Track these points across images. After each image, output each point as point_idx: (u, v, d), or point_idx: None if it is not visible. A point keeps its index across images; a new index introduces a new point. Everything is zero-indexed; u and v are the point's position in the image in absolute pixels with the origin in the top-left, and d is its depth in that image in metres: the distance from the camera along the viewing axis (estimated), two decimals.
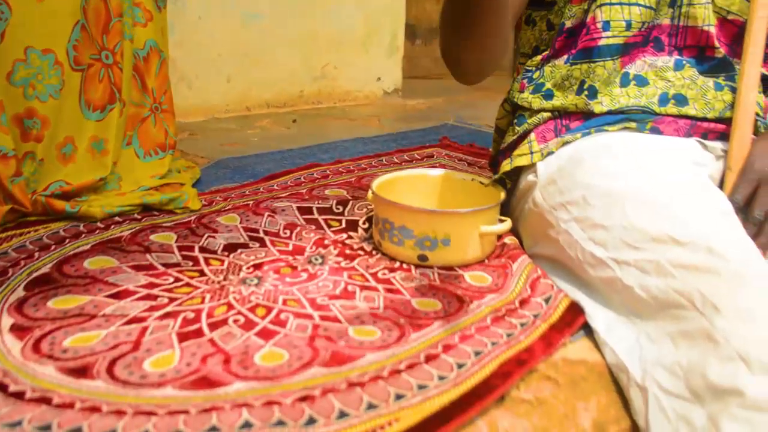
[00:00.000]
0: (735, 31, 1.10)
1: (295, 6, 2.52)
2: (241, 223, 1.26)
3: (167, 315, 0.90)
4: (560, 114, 1.17)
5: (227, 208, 1.36)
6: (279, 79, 2.55)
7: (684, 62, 1.11)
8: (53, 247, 1.13)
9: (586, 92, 1.12)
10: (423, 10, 3.29)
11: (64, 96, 1.30)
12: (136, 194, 1.37)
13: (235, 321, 0.89)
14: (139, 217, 1.30)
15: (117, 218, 1.28)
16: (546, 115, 1.18)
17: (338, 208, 1.36)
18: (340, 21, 2.65)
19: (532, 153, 1.16)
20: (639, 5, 1.08)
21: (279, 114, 2.48)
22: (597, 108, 1.11)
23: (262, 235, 1.21)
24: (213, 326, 0.88)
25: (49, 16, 1.26)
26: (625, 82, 1.11)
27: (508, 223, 1.13)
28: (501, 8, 0.90)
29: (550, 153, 1.14)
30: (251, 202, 1.39)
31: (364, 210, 1.35)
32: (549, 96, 1.17)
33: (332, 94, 2.70)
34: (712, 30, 1.08)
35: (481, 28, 0.91)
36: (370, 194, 1.17)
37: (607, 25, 1.09)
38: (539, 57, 1.20)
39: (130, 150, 1.48)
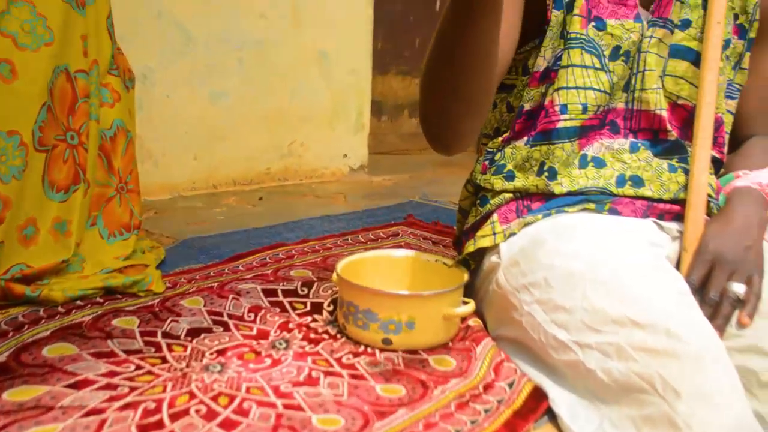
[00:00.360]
0: (685, 115, 1.15)
1: (262, 84, 2.56)
2: (205, 306, 1.26)
3: (127, 406, 0.88)
4: (522, 195, 1.19)
5: (191, 290, 1.35)
6: (246, 157, 2.57)
7: (639, 144, 1.15)
8: (11, 333, 1.11)
9: (546, 173, 1.15)
10: (389, 87, 3.36)
11: (27, 177, 1.29)
12: (99, 277, 1.35)
13: (197, 411, 0.88)
14: (101, 300, 1.28)
15: (79, 302, 1.26)
16: (508, 196, 1.20)
17: (303, 290, 1.36)
18: (306, 98, 2.69)
19: (494, 234, 1.18)
20: (594, 89, 1.12)
21: (246, 191, 2.49)
22: (557, 189, 1.14)
23: (226, 318, 1.20)
24: (174, 417, 0.86)
25: (16, 98, 1.27)
26: (583, 163, 1.14)
27: (471, 305, 1.13)
28: (492, 57, 0.89)
29: (513, 234, 1.15)
30: (216, 284, 1.38)
31: (329, 292, 1.35)
32: (510, 177, 1.20)
33: (299, 171, 2.72)
34: (665, 114, 1.13)
35: (472, 82, 0.89)
36: (334, 276, 1.17)
37: (564, 108, 1.13)
38: (500, 139, 1.23)
39: (94, 231, 1.47)
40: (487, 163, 1.24)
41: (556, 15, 1.12)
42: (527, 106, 1.17)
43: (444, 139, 0.99)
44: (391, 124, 3.42)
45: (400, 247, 1.74)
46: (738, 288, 0.96)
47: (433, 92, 0.93)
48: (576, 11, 1.10)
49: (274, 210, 2.21)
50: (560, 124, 1.13)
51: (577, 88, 1.12)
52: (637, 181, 1.12)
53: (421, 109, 0.97)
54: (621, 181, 1.12)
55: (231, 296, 1.30)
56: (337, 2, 2.69)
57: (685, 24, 1.13)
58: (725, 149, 1.20)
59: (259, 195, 2.43)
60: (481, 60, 0.87)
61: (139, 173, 1.61)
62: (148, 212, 2.08)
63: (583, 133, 1.14)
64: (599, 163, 1.14)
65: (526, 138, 1.18)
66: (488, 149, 1.25)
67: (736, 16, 1.17)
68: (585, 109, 1.12)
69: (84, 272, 1.38)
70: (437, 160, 3.23)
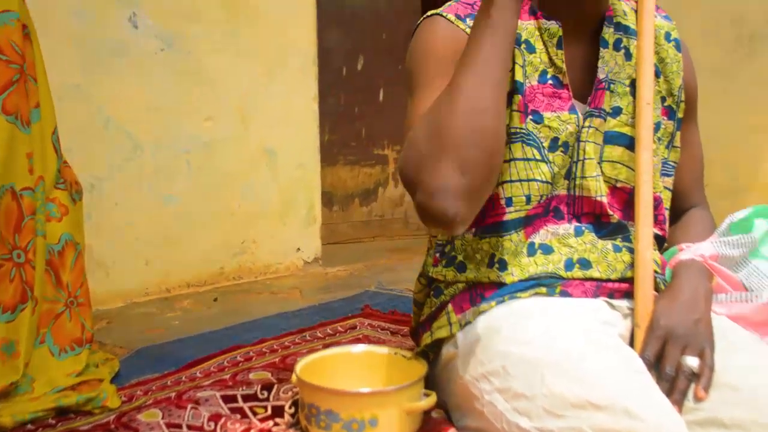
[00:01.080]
0: (625, 197, 1.19)
1: (212, 185, 2.58)
2: (163, 418, 1.22)
3: None
4: (474, 284, 1.20)
5: (148, 402, 1.32)
6: (198, 258, 2.55)
7: (583, 228, 1.18)
8: None
9: (497, 265, 1.17)
10: (338, 177, 3.41)
11: None
12: (51, 397, 1.31)
13: None
14: (53, 422, 1.24)
15: (30, 426, 1.22)
16: (461, 285, 1.21)
17: (263, 393, 1.33)
18: (256, 196, 2.71)
19: (450, 324, 1.18)
20: (537, 180, 1.15)
21: (200, 293, 2.47)
22: (508, 279, 1.15)
23: (185, 430, 1.17)
24: None
25: None
26: (531, 251, 1.17)
27: (433, 398, 1.13)
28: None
29: (468, 323, 1.16)
30: (173, 394, 1.35)
31: (290, 393, 1.34)
32: (462, 268, 1.21)
33: (253, 269, 2.71)
34: (605, 200, 1.17)
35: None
36: (294, 377, 1.16)
37: (510, 201, 1.15)
38: None
39: (43, 348, 1.43)
40: (437, 255, 1.26)
41: None
42: None
43: (460, 199, 0.95)
44: (343, 213, 3.45)
45: (359, 340, 1.73)
46: (692, 362, 0.98)
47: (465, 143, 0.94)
48: (514, 107, 1.14)
49: (230, 310, 2.19)
50: (507, 217, 1.15)
51: (520, 180, 1.15)
52: (585, 264, 1.15)
53: (432, 179, 0.94)
54: (569, 265, 1.15)
55: (189, 406, 1.27)
56: (283, 100, 2.75)
57: (616, 111, 1.18)
58: (666, 225, 1.24)
59: (214, 296, 2.41)
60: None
61: (90, 283, 1.59)
62: (100, 322, 2.04)
63: (529, 222, 1.17)
64: (547, 250, 1.17)
65: (473, 229, 1.20)
66: (438, 242, 1.27)
67: (663, 99, 1.23)
68: (529, 200, 1.15)
69: (34, 393, 1.33)
70: (390, 247, 3.26)
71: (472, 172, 0.94)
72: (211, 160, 2.57)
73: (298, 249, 2.85)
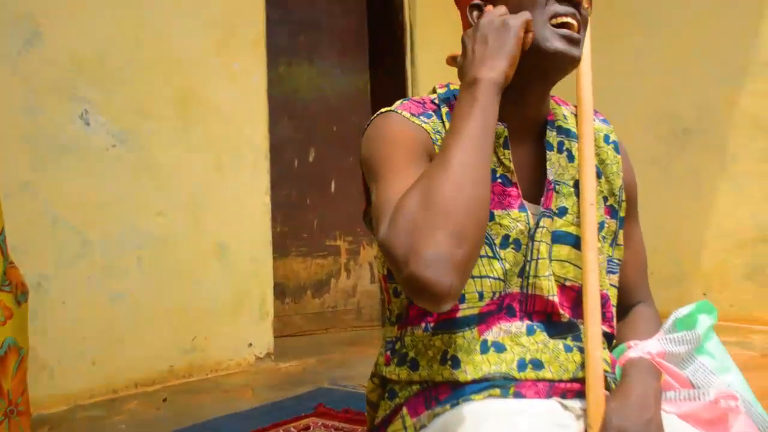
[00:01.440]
0: (573, 295, 1.21)
1: (163, 281, 2.54)
2: None
3: None
4: (429, 385, 1.19)
5: None
6: (148, 357, 2.49)
7: (535, 327, 1.18)
8: None
9: (449, 362, 1.16)
10: (290, 269, 3.39)
11: None
12: None
13: None
14: None
15: None
16: (415, 387, 1.20)
17: None
18: (208, 292, 2.67)
19: (405, 428, 1.17)
20: (489, 277, 1.16)
21: (148, 393, 2.40)
22: (462, 377, 1.15)
23: None
24: None
25: None
26: (484, 349, 1.16)
27: None
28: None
29: (423, 426, 1.14)
30: None
31: None
32: (414, 365, 1.20)
33: (204, 366, 2.65)
34: (556, 299, 1.18)
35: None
36: None
37: (462, 298, 1.16)
38: (395, 327, 1.24)
39: None
40: (389, 353, 1.24)
41: None
42: None
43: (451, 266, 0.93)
44: (295, 305, 3.43)
45: None
46: None
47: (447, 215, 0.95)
48: None
49: (179, 411, 2.13)
50: (460, 314, 1.16)
51: (473, 277, 1.16)
52: (537, 364, 1.15)
53: (420, 244, 0.93)
54: (522, 365, 1.15)
55: None
56: (235, 194, 2.76)
57: (562, 211, 1.21)
58: (614, 322, 1.26)
59: (163, 396, 2.34)
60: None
61: (34, 386, 1.54)
62: (42, 429, 1.96)
63: (482, 319, 1.17)
64: (499, 348, 1.17)
65: (423, 325, 1.19)
66: (387, 339, 1.26)
67: (605, 199, 1.27)
68: (481, 297, 1.16)
69: None
70: (343, 340, 3.23)
71: (467, 242, 0.94)
72: (162, 256, 2.55)
73: (250, 344, 2.81)
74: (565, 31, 1.15)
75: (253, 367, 2.77)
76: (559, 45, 1.14)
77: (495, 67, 1.07)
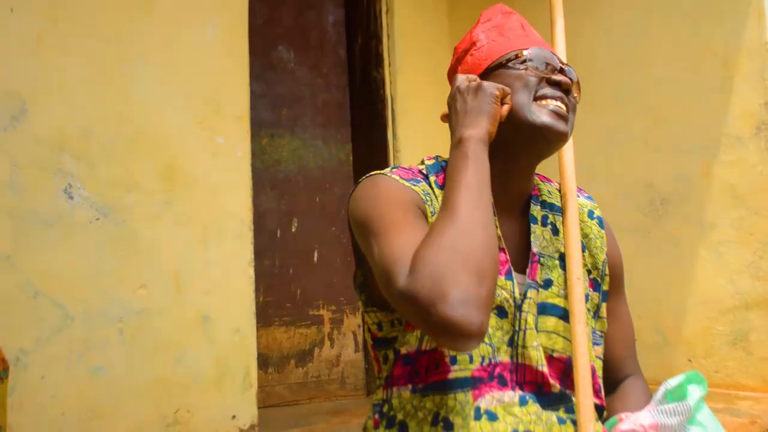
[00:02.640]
0: (562, 367, 1.23)
1: (145, 354, 2.51)
2: None
3: None
4: None
5: None
6: (129, 431, 2.44)
7: (527, 398, 1.20)
8: None
9: (441, 424, 1.15)
10: (273, 338, 3.37)
11: None
12: None
13: None
14: None
15: None
16: None
17: None
18: (191, 364, 2.64)
19: None
20: None
21: None
22: None
23: None
24: None
25: None
26: (477, 415, 1.15)
27: None
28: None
29: None
30: None
31: None
32: (403, 427, 1.19)
33: None
34: (545, 370, 1.20)
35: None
36: None
37: (454, 360, 1.16)
38: (381, 389, 1.24)
39: None
40: (377, 416, 1.23)
41: None
42: (403, 350, 1.20)
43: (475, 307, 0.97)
44: (278, 375, 3.39)
45: None
46: None
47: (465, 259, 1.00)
48: None
49: None
50: (451, 375, 1.16)
51: None
52: None
53: (444, 289, 0.96)
54: None
55: None
56: (219, 265, 2.75)
57: (548, 283, 1.24)
58: (602, 394, 1.28)
59: None
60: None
61: None
62: None
63: (475, 384, 1.17)
64: (492, 417, 1.17)
65: (410, 386, 1.19)
66: (375, 402, 1.25)
67: (589, 272, 1.31)
68: (471, 360, 1.17)
69: None
70: (328, 409, 3.19)
71: (488, 280, 0.99)
72: (144, 329, 2.52)
73: (234, 416, 2.77)
74: (553, 105, 1.20)
75: None
76: (546, 119, 1.20)
77: (477, 125, 1.15)
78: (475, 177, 1.09)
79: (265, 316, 3.24)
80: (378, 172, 1.26)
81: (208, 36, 2.84)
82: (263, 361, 3.24)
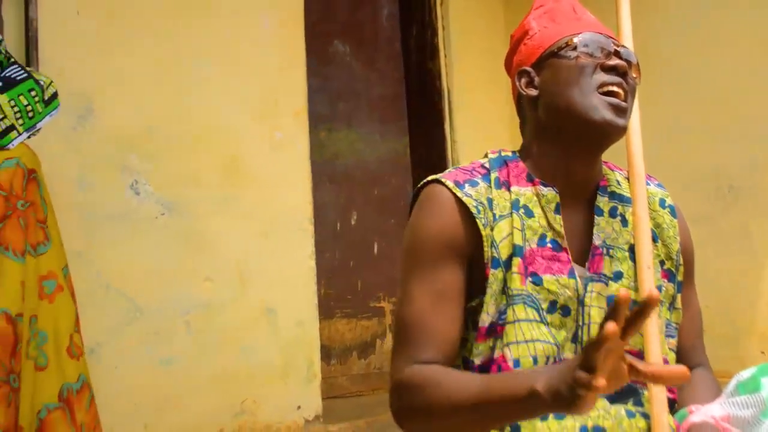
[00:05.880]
0: None
1: (211, 345, 2.57)
2: None
3: None
4: None
5: None
6: (198, 420, 2.51)
7: None
8: None
9: (507, 428, 1.16)
10: (335, 331, 3.41)
11: None
12: None
13: None
14: None
15: None
16: None
17: None
18: (256, 355, 2.70)
19: None
20: (540, 341, 1.17)
21: None
22: None
23: None
24: None
25: None
26: (544, 416, 1.16)
27: None
28: None
29: None
30: None
31: None
32: None
33: (253, 429, 2.66)
34: None
35: None
36: None
37: (517, 363, 1.16)
38: None
39: None
40: None
41: (493, 273, 1.18)
42: (477, 361, 1.20)
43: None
44: (341, 367, 3.43)
45: None
46: None
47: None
48: (514, 269, 1.18)
49: None
50: None
51: (526, 341, 1.17)
52: (600, 431, 1.15)
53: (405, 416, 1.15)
54: None
55: None
56: (280, 259, 2.80)
57: (618, 276, 1.22)
58: (674, 387, 1.25)
59: None
60: None
61: None
62: None
63: None
64: (559, 415, 1.16)
65: None
66: None
67: (662, 263, 1.28)
68: (535, 361, 1.16)
69: None
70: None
71: None
72: (210, 321, 2.58)
73: (299, 407, 2.81)
74: (613, 99, 1.17)
75: (303, 430, 2.77)
76: (606, 114, 1.17)
77: (556, 406, 0.97)
78: (506, 421, 1.11)
79: (326, 309, 3.27)
80: (434, 177, 1.26)
81: (266, 33, 2.88)
82: (326, 353, 3.28)
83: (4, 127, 1.46)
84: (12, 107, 1.48)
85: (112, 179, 2.45)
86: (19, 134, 1.50)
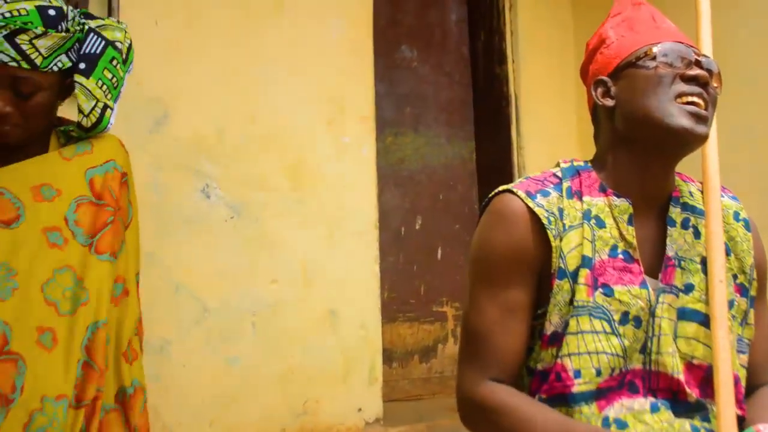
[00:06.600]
0: (702, 374, 1.19)
1: (275, 346, 2.62)
2: None
3: None
4: None
5: None
6: (261, 419, 2.56)
7: (659, 405, 1.17)
8: None
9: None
10: (397, 334, 3.42)
11: None
12: None
13: None
14: None
15: None
16: None
17: None
18: (318, 356, 2.73)
19: None
20: (606, 353, 1.15)
21: None
22: None
23: None
24: None
25: (57, 363, 1.32)
26: (605, 425, 1.15)
27: None
28: None
29: None
30: None
31: None
32: None
33: (315, 430, 2.69)
34: (682, 377, 1.16)
35: None
36: None
37: (578, 374, 1.15)
38: None
39: None
40: None
41: (559, 284, 1.18)
42: (539, 367, 1.21)
43: None
44: (402, 370, 3.44)
45: None
46: None
47: None
48: (581, 280, 1.17)
49: None
50: (575, 389, 1.15)
51: (589, 353, 1.16)
52: None
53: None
54: None
55: None
56: (345, 262, 2.83)
57: (689, 288, 1.20)
58: (744, 404, 1.22)
59: None
60: None
61: None
62: None
63: (601, 395, 1.16)
64: (621, 425, 1.15)
65: (536, 396, 1.19)
66: None
67: (735, 277, 1.25)
68: (599, 373, 1.15)
69: None
70: (451, 405, 3.16)
71: None
72: (275, 322, 2.63)
73: (360, 409, 2.84)
74: (692, 107, 1.15)
75: None
76: (684, 122, 1.14)
77: None
78: None
79: (389, 312, 3.29)
80: (506, 188, 1.26)
81: (333, 37, 2.92)
82: (387, 356, 3.29)
83: (99, 110, 1.47)
84: (100, 87, 1.47)
85: (184, 183, 2.53)
86: (113, 109, 1.51)
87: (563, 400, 1.17)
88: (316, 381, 2.72)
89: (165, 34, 2.55)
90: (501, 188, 1.27)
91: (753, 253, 1.28)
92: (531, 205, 1.20)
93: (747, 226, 1.29)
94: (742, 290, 1.25)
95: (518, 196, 1.22)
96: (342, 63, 2.93)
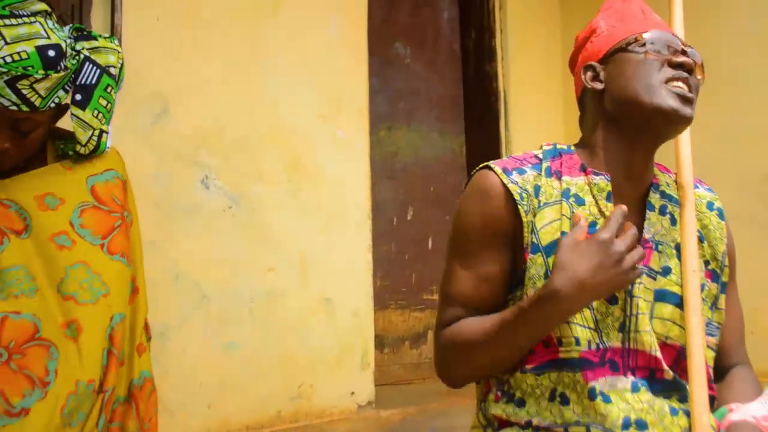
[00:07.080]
0: (675, 354, 1.23)
1: (272, 332, 2.70)
2: None
3: None
4: (533, 429, 1.21)
5: None
6: (258, 402, 2.64)
7: (639, 385, 1.20)
8: None
9: (558, 399, 1.20)
10: (389, 321, 3.51)
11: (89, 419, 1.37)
12: None
13: None
14: None
15: None
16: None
17: None
18: (314, 342, 2.82)
19: None
20: (580, 325, 1.20)
21: None
22: (568, 415, 1.18)
23: None
24: None
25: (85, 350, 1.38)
26: (592, 395, 1.18)
27: None
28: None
29: None
30: None
31: None
32: (522, 403, 1.23)
33: (309, 413, 2.78)
34: (659, 354, 1.21)
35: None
36: None
37: (560, 341, 1.20)
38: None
39: None
40: (499, 393, 1.27)
41: (532, 258, 1.23)
42: None
43: (461, 384, 1.31)
44: (394, 356, 3.53)
45: None
46: None
47: (471, 368, 1.27)
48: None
49: None
50: (561, 355, 1.20)
51: (568, 323, 1.20)
52: (641, 425, 1.16)
53: (443, 371, 1.29)
54: (626, 425, 1.16)
55: None
56: (339, 251, 2.92)
57: (666, 271, 1.25)
58: (714, 384, 1.26)
59: None
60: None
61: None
62: None
63: (583, 365, 1.20)
64: (606, 399, 1.18)
65: (526, 366, 1.23)
66: (498, 380, 1.29)
67: (707, 263, 1.30)
68: (578, 342, 1.19)
69: None
70: (441, 390, 3.28)
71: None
72: (272, 309, 2.71)
73: (353, 393, 2.93)
74: (679, 89, 1.21)
75: (355, 415, 2.88)
76: (672, 102, 1.20)
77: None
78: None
79: (381, 300, 3.38)
80: (486, 165, 1.31)
81: (330, 35, 3.00)
82: (380, 342, 3.38)
83: (96, 138, 1.52)
84: (96, 116, 1.49)
85: (184, 174, 2.59)
86: (107, 132, 1.55)
87: (553, 365, 1.21)
88: (311, 366, 2.81)
89: (166, 30, 2.61)
90: (481, 165, 1.32)
91: (726, 240, 1.33)
92: (505, 181, 1.25)
93: (721, 215, 1.34)
94: (713, 276, 1.30)
95: (495, 172, 1.27)
96: (338, 59, 3.01)
